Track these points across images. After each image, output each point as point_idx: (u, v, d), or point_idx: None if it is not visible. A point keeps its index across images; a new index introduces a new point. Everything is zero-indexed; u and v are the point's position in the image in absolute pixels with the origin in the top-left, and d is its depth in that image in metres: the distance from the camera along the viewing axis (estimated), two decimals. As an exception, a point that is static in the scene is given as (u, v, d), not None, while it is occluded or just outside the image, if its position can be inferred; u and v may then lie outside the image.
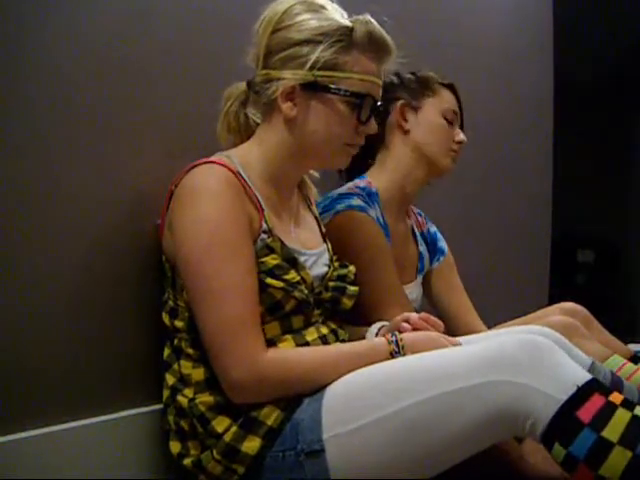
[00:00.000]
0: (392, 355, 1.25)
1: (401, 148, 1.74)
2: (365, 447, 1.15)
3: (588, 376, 1.11)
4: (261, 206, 1.30)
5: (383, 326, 1.45)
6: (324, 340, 1.33)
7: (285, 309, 1.28)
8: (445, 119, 1.74)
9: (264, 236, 1.28)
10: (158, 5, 1.44)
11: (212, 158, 1.30)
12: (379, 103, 1.37)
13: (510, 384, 1.09)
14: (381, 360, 1.23)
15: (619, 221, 4.26)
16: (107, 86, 1.35)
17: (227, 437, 1.20)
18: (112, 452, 1.33)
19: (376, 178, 1.73)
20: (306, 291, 1.30)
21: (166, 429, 1.31)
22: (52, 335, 1.26)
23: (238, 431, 1.20)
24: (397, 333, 1.29)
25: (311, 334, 1.32)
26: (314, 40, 1.29)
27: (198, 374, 1.26)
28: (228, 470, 1.20)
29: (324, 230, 1.52)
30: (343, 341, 1.39)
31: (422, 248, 1.88)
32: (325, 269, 1.41)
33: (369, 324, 1.49)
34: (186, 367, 1.28)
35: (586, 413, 1.06)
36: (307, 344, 1.29)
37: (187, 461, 1.25)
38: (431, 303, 1.95)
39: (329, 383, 1.21)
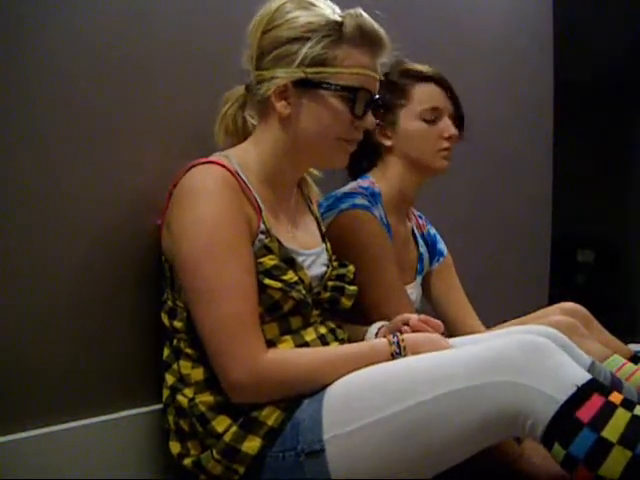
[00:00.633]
0: (393, 356, 1.25)
1: (392, 158, 1.75)
2: (365, 447, 1.15)
3: (588, 376, 1.11)
4: (259, 206, 1.30)
5: (383, 326, 1.45)
6: (323, 340, 1.33)
7: (283, 309, 1.28)
8: (424, 120, 1.71)
9: (262, 236, 1.28)
10: (158, 6, 1.44)
11: (210, 158, 1.30)
12: (377, 97, 1.36)
13: (510, 385, 1.09)
14: (382, 361, 1.23)
15: (619, 221, 4.26)
16: (107, 86, 1.35)
17: (227, 437, 1.20)
18: (112, 452, 1.33)
19: (378, 179, 1.74)
20: (304, 291, 1.30)
21: (166, 429, 1.31)
22: (52, 335, 1.26)
23: (238, 431, 1.20)
24: (399, 334, 1.29)
25: (310, 334, 1.32)
26: (304, 37, 1.29)
27: (197, 374, 1.26)
28: (228, 470, 1.20)
29: (324, 230, 1.52)
30: (342, 341, 1.39)
31: (422, 249, 1.89)
32: (324, 269, 1.41)
33: (370, 323, 1.49)
34: (185, 367, 1.28)
35: (586, 413, 1.06)
36: (306, 344, 1.29)
37: (187, 461, 1.25)
38: (430, 304, 1.95)
39: (329, 384, 1.21)
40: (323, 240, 1.48)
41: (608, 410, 1.06)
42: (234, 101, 1.41)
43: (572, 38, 3.33)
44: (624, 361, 1.68)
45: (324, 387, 1.21)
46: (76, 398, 1.30)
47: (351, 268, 1.46)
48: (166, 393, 1.31)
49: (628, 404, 1.08)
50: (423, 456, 1.14)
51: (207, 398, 1.24)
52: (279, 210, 1.38)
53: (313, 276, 1.36)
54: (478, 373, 1.11)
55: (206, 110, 1.44)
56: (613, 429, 1.04)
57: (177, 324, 1.29)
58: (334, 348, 1.31)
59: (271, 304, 1.26)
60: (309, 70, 1.29)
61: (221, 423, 1.22)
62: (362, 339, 1.44)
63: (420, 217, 1.95)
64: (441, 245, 1.95)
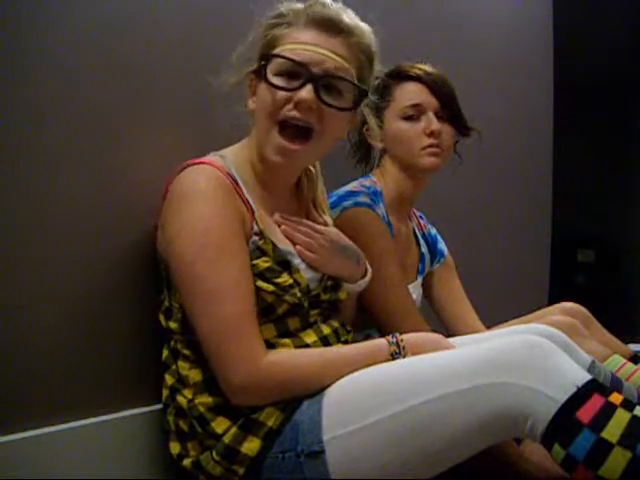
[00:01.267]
0: (393, 356, 1.25)
1: (387, 159, 1.76)
2: (365, 448, 1.14)
3: (588, 376, 1.10)
4: (251, 207, 1.29)
5: None
6: (325, 342, 1.33)
7: (277, 312, 1.27)
8: (406, 118, 1.70)
9: (255, 238, 1.27)
10: (158, 6, 1.44)
11: (203, 159, 1.29)
12: (336, 75, 1.28)
13: (510, 385, 1.09)
14: (382, 361, 1.23)
15: (619, 221, 4.25)
16: (108, 86, 1.35)
17: (227, 438, 1.20)
18: (112, 452, 1.33)
19: (378, 179, 1.75)
20: (299, 294, 1.29)
21: (166, 429, 1.31)
22: (52, 335, 1.26)
23: (238, 432, 1.20)
24: (397, 334, 1.29)
25: (310, 336, 1.31)
26: (260, 35, 1.32)
27: (196, 375, 1.26)
28: (228, 471, 1.20)
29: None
30: (346, 342, 1.39)
31: (424, 249, 1.89)
32: None
33: (370, 317, 1.50)
34: (183, 368, 1.27)
35: (586, 414, 1.05)
36: (307, 347, 1.29)
37: (187, 462, 1.25)
38: (431, 304, 1.95)
39: (329, 385, 1.21)
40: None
41: (608, 411, 1.06)
42: None
43: (572, 38, 3.33)
44: (624, 361, 1.69)
45: (324, 388, 1.20)
46: (76, 398, 1.30)
47: None
48: (165, 393, 1.31)
49: (628, 405, 1.08)
50: (423, 457, 1.13)
51: (206, 399, 1.24)
52: (275, 210, 1.37)
53: (310, 278, 1.35)
54: (478, 374, 1.11)
55: (207, 110, 1.44)
56: (613, 430, 1.04)
57: (173, 325, 1.29)
58: (334, 349, 1.31)
59: (264, 307, 1.25)
60: (260, 58, 1.31)
61: (221, 424, 1.22)
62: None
63: (421, 217, 1.96)
64: (442, 245, 1.95)
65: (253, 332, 1.21)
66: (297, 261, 1.34)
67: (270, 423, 1.20)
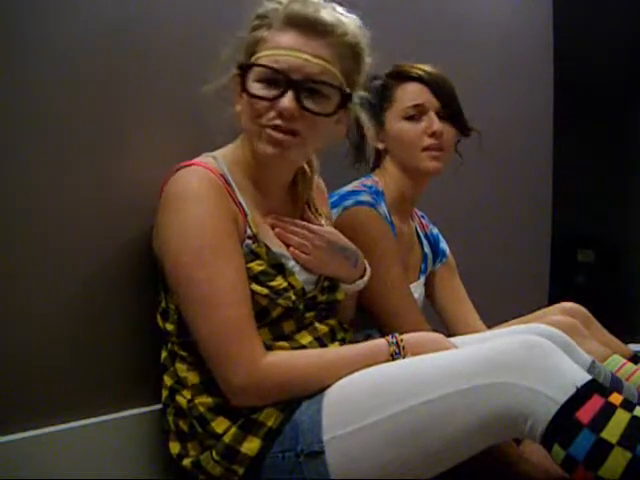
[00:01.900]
0: (392, 356, 1.25)
1: (388, 160, 1.76)
2: (365, 448, 1.14)
3: (588, 377, 1.10)
4: (244, 210, 1.28)
5: None
6: (320, 342, 1.33)
7: (272, 315, 1.26)
8: (407, 119, 1.70)
9: (249, 241, 1.27)
10: (158, 6, 1.44)
11: (195, 160, 1.28)
12: (316, 80, 1.25)
13: (510, 386, 1.09)
14: (381, 362, 1.23)
15: (619, 221, 4.25)
16: (107, 86, 1.35)
17: (227, 438, 1.20)
18: (112, 452, 1.32)
19: (380, 180, 1.75)
20: (294, 297, 1.29)
21: (166, 429, 1.31)
22: (52, 335, 1.26)
23: (238, 432, 1.20)
24: (397, 334, 1.29)
25: (305, 337, 1.31)
26: (243, 37, 1.30)
27: (194, 377, 1.26)
28: (228, 471, 1.20)
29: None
30: (342, 341, 1.38)
31: (427, 249, 1.89)
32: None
33: (370, 316, 1.49)
34: (181, 370, 1.27)
35: (585, 414, 1.05)
36: (303, 348, 1.29)
37: (187, 462, 1.25)
38: (432, 304, 1.95)
39: (329, 385, 1.20)
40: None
41: (608, 411, 1.06)
42: None
43: (572, 38, 3.33)
44: (624, 361, 1.69)
45: (324, 389, 1.20)
46: (76, 398, 1.30)
47: None
48: (165, 394, 1.31)
49: (628, 405, 1.08)
50: (423, 457, 1.13)
51: (206, 400, 1.23)
52: (269, 211, 1.35)
53: (305, 280, 1.34)
54: (478, 374, 1.11)
55: (207, 110, 1.44)
56: (613, 430, 1.04)
57: (169, 327, 1.29)
58: (333, 350, 1.30)
59: (259, 310, 1.24)
60: (241, 62, 1.29)
61: (220, 424, 1.22)
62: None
63: (423, 217, 1.96)
64: (444, 245, 1.95)
65: (253, 333, 1.21)
66: (291, 264, 1.33)
67: (270, 423, 1.20)
